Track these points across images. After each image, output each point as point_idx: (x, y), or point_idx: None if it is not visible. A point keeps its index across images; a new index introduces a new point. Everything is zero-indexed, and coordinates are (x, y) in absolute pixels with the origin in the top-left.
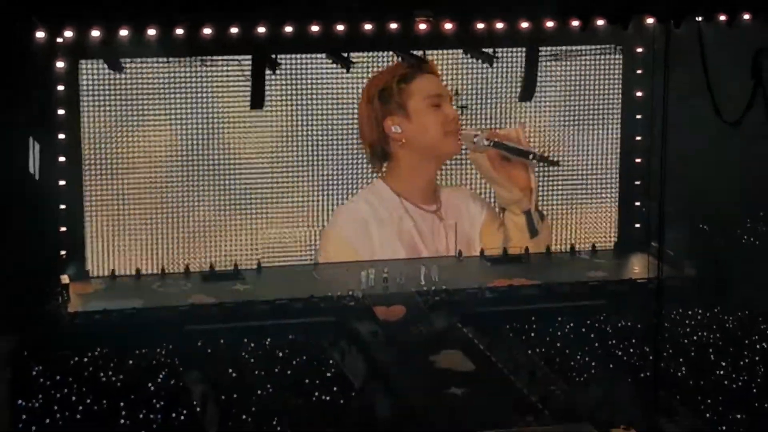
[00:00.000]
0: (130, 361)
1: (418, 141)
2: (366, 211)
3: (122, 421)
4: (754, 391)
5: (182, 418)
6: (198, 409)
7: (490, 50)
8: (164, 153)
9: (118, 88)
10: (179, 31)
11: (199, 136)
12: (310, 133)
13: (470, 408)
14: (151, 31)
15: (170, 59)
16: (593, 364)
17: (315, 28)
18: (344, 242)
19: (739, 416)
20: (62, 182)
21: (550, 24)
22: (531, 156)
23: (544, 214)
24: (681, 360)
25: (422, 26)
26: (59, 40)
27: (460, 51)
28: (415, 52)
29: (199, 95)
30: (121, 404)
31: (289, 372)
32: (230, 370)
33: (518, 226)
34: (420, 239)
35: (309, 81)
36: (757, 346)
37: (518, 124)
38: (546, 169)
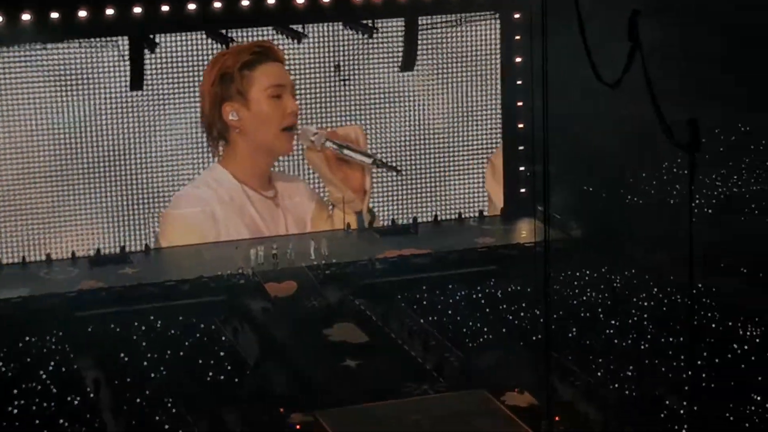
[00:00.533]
0: (21, 350)
1: (254, 132)
2: (208, 194)
3: (14, 410)
4: (643, 348)
5: (76, 404)
6: (92, 395)
7: (369, 22)
8: (46, 138)
9: None
10: (54, 15)
11: (79, 121)
12: (191, 112)
13: (366, 379)
14: (26, 16)
15: (48, 45)
16: (485, 329)
17: (192, 6)
18: (187, 224)
19: (629, 373)
20: None
21: None
22: (371, 161)
23: (375, 214)
24: (571, 321)
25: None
26: None
27: (340, 24)
28: (294, 27)
29: (78, 78)
30: (14, 392)
31: (181, 353)
32: (122, 354)
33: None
34: (261, 221)
35: (189, 60)
36: (645, 304)
37: (358, 124)
38: (431, 139)
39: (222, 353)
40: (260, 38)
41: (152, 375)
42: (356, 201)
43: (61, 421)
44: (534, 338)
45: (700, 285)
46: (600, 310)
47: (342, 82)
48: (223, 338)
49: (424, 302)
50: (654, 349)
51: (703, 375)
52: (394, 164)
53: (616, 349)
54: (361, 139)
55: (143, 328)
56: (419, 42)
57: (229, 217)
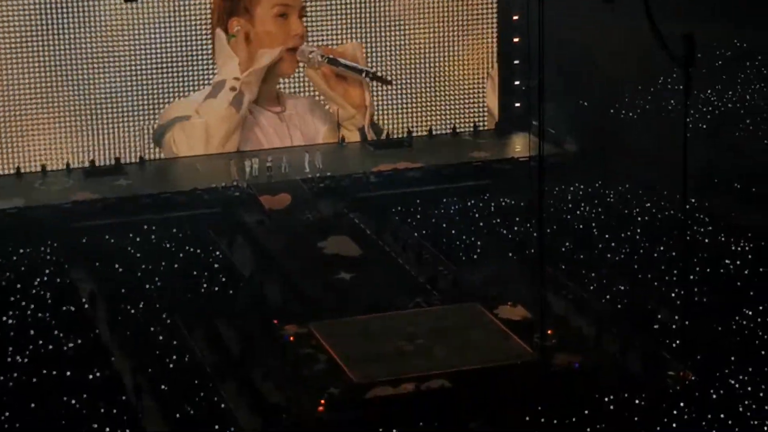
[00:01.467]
0: (15, 260)
1: (257, 49)
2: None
3: (9, 320)
4: (636, 262)
5: (70, 314)
6: (86, 306)
7: None
8: (40, 49)
9: None
10: None
11: (74, 31)
12: (186, 23)
13: (359, 292)
14: None
15: None
16: (479, 243)
17: None
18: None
19: (621, 287)
20: None
21: None
22: (364, 74)
23: (381, 128)
24: (565, 235)
25: None
26: None
27: None
28: None
29: None
30: (10, 300)
31: (176, 265)
32: (117, 266)
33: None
34: (262, 134)
35: None
36: (638, 219)
37: (356, 42)
38: (426, 53)
39: (216, 265)
40: None
41: (147, 286)
42: (357, 116)
43: (56, 330)
44: (527, 252)
45: (693, 200)
46: (593, 224)
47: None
48: (218, 250)
49: (418, 216)
50: (647, 264)
51: (695, 289)
52: (386, 77)
53: (608, 263)
54: (359, 56)
55: (137, 239)
56: None
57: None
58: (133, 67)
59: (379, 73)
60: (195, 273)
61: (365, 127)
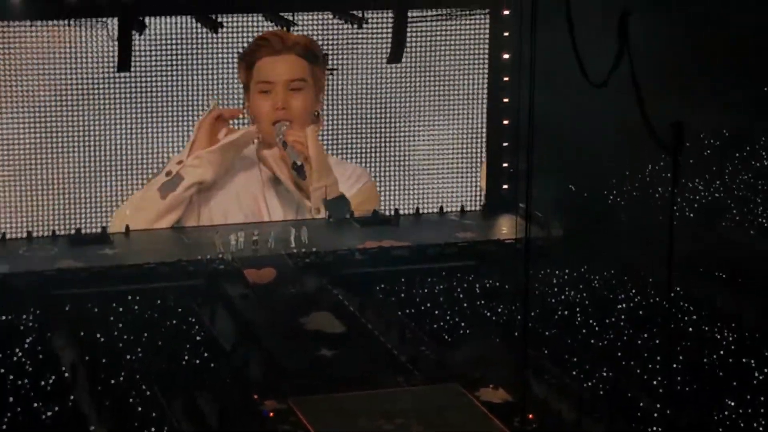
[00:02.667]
0: None
1: (255, 124)
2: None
3: None
4: (620, 349)
5: (51, 383)
6: (67, 375)
7: (359, 13)
8: (29, 115)
9: None
10: None
11: (65, 99)
12: (177, 95)
13: (340, 368)
14: None
15: (36, 22)
16: (462, 324)
17: None
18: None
19: (605, 374)
20: None
21: None
22: (292, 164)
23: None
24: (549, 319)
25: None
26: None
27: (329, 13)
28: (284, 15)
29: (65, 57)
30: None
31: (158, 336)
32: (99, 335)
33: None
34: (264, 204)
35: (176, 43)
36: (623, 305)
37: (311, 126)
38: (415, 132)
39: (198, 338)
40: (250, 24)
41: (128, 357)
42: (301, 201)
43: (35, 399)
44: (511, 335)
45: (678, 288)
46: (578, 309)
47: (329, 72)
48: (200, 323)
49: (402, 294)
50: (630, 350)
51: (678, 378)
52: (303, 173)
53: (592, 348)
54: (311, 139)
55: (121, 309)
56: (408, 35)
57: (231, 192)
58: (122, 137)
59: (301, 167)
60: (176, 345)
61: (311, 208)
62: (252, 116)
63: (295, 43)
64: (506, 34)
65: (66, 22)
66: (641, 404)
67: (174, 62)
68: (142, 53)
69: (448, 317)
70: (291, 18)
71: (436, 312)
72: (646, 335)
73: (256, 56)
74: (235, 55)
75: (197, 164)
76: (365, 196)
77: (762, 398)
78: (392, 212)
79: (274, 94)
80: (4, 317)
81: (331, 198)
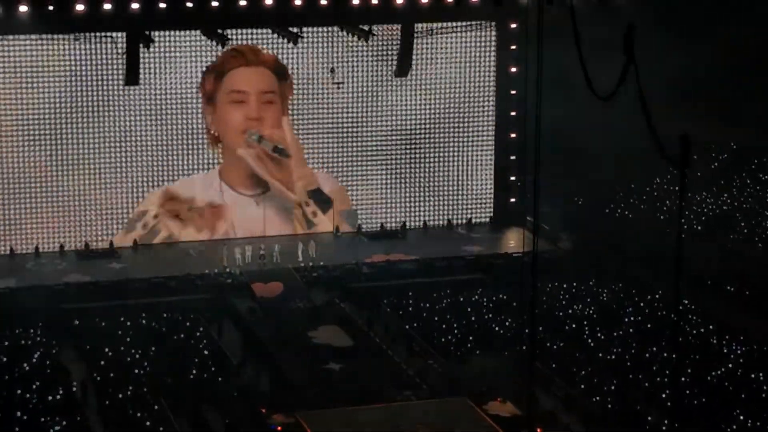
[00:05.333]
0: (5, 342)
1: (222, 135)
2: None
3: None
4: (627, 362)
5: (58, 397)
6: (74, 389)
7: (366, 26)
8: (38, 130)
9: None
10: (51, 8)
11: (73, 112)
12: (185, 109)
13: (348, 383)
14: (23, 8)
15: (43, 36)
16: (470, 337)
17: (189, 5)
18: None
19: (612, 387)
20: None
21: (424, 0)
22: (272, 148)
23: (312, 222)
24: (557, 332)
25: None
26: None
27: (336, 27)
28: (291, 29)
29: (73, 71)
30: None
31: (165, 350)
32: (106, 349)
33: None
34: (236, 220)
35: (184, 58)
36: (631, 318)
37: (285, 117)
38: (423, 145)
39: (206, 351)
40: (257, 38)
41: (135, 371)
42: (284, 194)
43: (43, 413)
44: (519, 348)
45: (686, 301)
46: (585, 322)
47: (336, 86)
48: (208, 336)
49: (410, 308)
50: (638, 363)
51: (686, 391)
52: (286, 151)
53: (600, 361)
54: (286, 129)
55: (128, 323)
56: (415, 48)
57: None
58: (130, 151)
59: (281, 147)
60: (184, 359)
61: (303, 211)
62: (216, 127)
63: (267, 58)
64: (513, 47)
65: (74, 36)
66: (649, 418)
67: (181, 76)
68: (150, 67)
69: (455, 330)
70: (298, 32)
71: (444, 325)
72: (653, 348)
73: (227, 66)
74: None
75: None
76: (339, 196)
77: None
78: (400, 225)
79: (248, 105)
80: (12, 331)
81: (314, 188)
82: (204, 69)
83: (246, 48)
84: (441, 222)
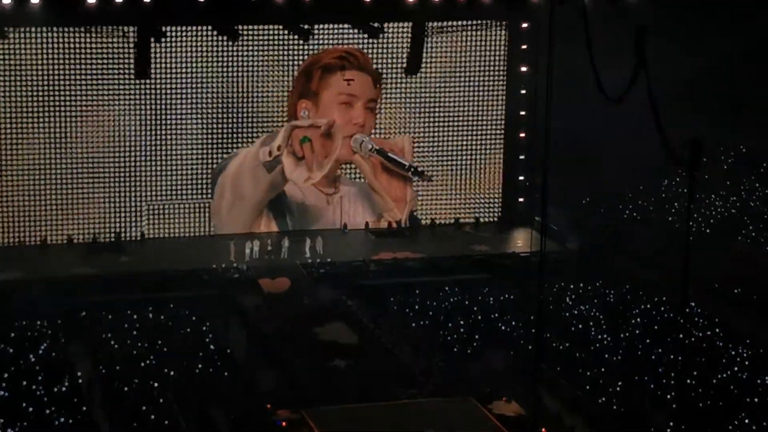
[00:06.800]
0: (12, 333)
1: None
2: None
3: (2, 392)
4: (633, 364)
5: (64, 389)
6: (80, 381)
7: (377, 24)
8: (47, 123)
9: (1, 56)
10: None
11: (83, 105)
12: (195, 104)
13: (354, 380)
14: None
15: (55, 29)
16: (476, 337)
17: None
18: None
19: (618, 388)
20: None
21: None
22: (406, 167)
23: (420, 221)
24: (563, 333)
25: None
26: None
27: (347, 24)
28: (301, 26)
29: (84, 64)
30: (3, 375)
31: (171, 344)
32: (113, 342)
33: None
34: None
35: (194, 52)
36: (637, 320)
37: (406, 135)
38: (431, 144)
39: (212, 346)
40: (268, 34)
41: (141, 364)
42: (395, 210)
43: (49, 405)
44: (525, 348)
45: (693, 303)
46: (592, 323)
47: (346, 83)
48: (214, 332)
49: (416, 306)
50: (644, 365)
51: (692, 394)
52: (428, 174)
53: (606, 363)
54: (407, 149)
55: (135, 317)
56: (425, 46)
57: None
58: (139, 145)
59: (421, 169)
60: (190, 353)
61: (402, 220)
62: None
63: (369, 65)
64: (524, 47)
65: (85, 29)
66: (654, 420)
67: (192, 70)
68: (161, 61)
69: (462, 330)
70: (308, 28)
71: (450, 324)
72: (660, 351)
73: (338, 67)
74: (252, 65)
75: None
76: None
77: None
78: (407, 223)
79: (356, 109)
80: (18, 323)
81: (413, 211)
82: (299, 63)
83: (357, 52)
84: (448, 221)
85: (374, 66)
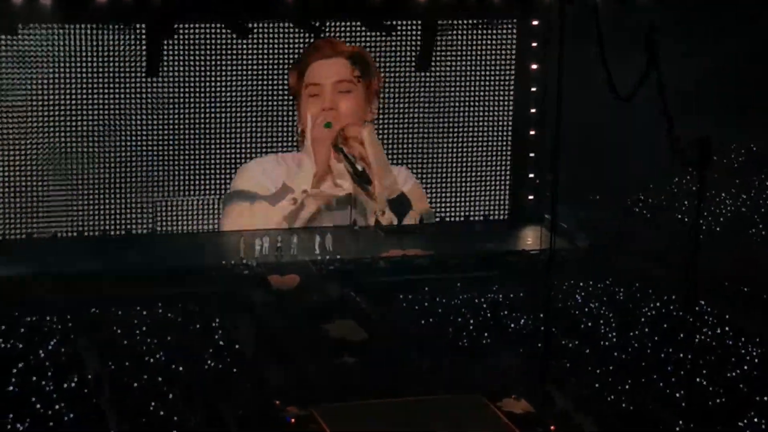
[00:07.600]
0: (21, 328)
1: (303, 126)
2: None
3: (12, 388)
4: (642, 362)
5: (73, 385)
6: (89, 377)
7: (388, 22)
8: (58, 118)
9: (12, 53)
10: None
11: (93, 102)
12: (205, 101)
13: (362, 377)
14: None
15: (65, 25)
16: (485, 334)
17: None
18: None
19: (626, 387)
20: None
21: None
22: (352, 170)
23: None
24: (572, 331)
25: None
26: None
27: (359, 21)
28: (313, 23)
29: (94, 60)
30: (12, 371)
31: (181, 340)
32: (122, 338)
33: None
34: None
35: (205, 49)
36: (647, 318)
37: (369, 125)
38: (440, 141)
39: (221, 342)
40: (279, 31)
41: (150, 360)
42: (367, 203)
43: (58, 400)
44: (533, 346)
45: (702, 302)
46: (601, 321)
47: (355, 79)
48: (223, 327)
49: (425, 303)
50: (653, 364)
51: (701, 393)
52: (368, 178)
53: (614, 360)
54: (367, 140)
55: (144, 312)
56: (436, 43)
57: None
58: (149, 142)
59: (363, 171)
60: (199, 349)
61: (378, 210)
62: (301, 124)
63: (344, 48)
64: (534, 44)
65: (95, 25)
66: (663, 418)
67: (203, 67)
68: (171, 58)
69: (470, 327)
70: (320, 26)
71: (459, 321)
72: (669, 349)
73: (307, 61)
74: (263, 62)
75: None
76: (416, 195)
77: None
78: (417, 221)
79: (323, 96)
80: (27, 318)
81: (394, 197)
82: (288, 66)
83: (322, 42)
84: (458, 218)
85: (378, 64)
